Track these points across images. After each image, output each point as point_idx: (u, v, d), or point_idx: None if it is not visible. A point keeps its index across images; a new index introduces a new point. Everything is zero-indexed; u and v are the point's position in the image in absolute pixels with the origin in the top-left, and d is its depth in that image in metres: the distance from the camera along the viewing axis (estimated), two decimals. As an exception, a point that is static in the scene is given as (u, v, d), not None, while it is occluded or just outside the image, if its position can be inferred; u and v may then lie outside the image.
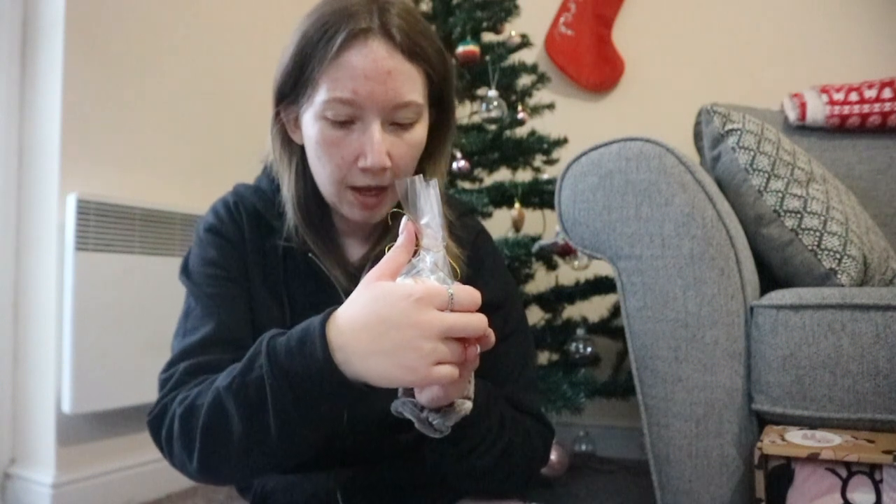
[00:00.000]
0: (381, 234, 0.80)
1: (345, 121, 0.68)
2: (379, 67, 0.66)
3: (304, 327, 0.58)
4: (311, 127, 0.70)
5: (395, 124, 0.70)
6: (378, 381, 0.55)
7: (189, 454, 0.63)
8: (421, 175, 0.57)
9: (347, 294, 0.76)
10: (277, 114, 0.75)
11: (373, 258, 0.78)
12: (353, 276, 0.77)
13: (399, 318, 0.53)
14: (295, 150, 0.76)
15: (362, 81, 0.66)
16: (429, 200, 0.57)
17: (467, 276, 0.79)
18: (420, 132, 0.73)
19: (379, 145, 0.68)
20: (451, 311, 0.54)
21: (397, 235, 0.77)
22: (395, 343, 0.53)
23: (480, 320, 0.55)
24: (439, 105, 0.76)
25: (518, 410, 0.75)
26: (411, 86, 0.69)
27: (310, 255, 0.76)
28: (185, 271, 0.77)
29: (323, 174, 0.72)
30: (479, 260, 0.82)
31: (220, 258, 0.76)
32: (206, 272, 0.75)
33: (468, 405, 0.60)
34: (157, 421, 0.67)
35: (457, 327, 0.53)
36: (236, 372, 0.60)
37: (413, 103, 0.69)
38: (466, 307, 0.55)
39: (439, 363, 0.53)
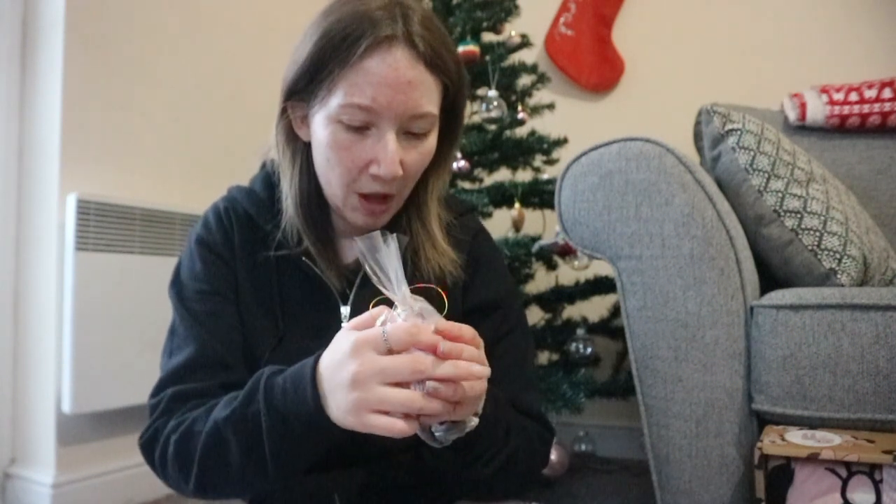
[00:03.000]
0: None
1: (360, 126, 0.68)
2: (400, 76, 0.66)
3: (297, 372, 0.60)
4: (322, 128, 0.69)
5: (409, 133, 0.70)
6: (341, 425, 0.57)
7: (186, 477, 0.66)
8: (379, 231, 0.56)
9: (341, 296, 0.76)
10: (284, 109, 0.74)
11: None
12: (348, 278, 0.77)
13: (341, 360, 0.55)
14: (299, 147, 0.76)
15: (382, 89, 0.65)
16: (390, 256, 0.55)
17: (465, 277, 0.79)
18: (432, 142, 0.73)
19: (393, 154, 0.67)
20: (390, 351, 0.53)
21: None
22: (336, 385, 0.56)
23: (413, 361, 0.53)
24: (449, 113, 0.75)
25: (518, 411, 0.75)
26: (430, 96, 0.69)
27: (303, 258, 0.76)
28: (174, 285, 0.78)
29: (330, 176, 0.71)
30: (476, 260, 0.82)
31: (207, 273, 0.76)
32: (194, 287, 0.76)
33: (474, 422, 0.60)
34: (149, 445, 0.70)
35: (389, 371, 0.53)
36: (236, 404, 0.63)
37: (429, 114, 0.69)
38: (403, 345, 0.53)
39: (377, 412, 0.53)
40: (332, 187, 0.73)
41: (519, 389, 0.77)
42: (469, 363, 0.54)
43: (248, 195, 0.80)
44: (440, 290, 0.66)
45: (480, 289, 0.81)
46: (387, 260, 0.55)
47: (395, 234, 0.55)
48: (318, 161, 0.73)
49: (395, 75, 0.65)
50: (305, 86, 0.70)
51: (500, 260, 0.87)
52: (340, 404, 0.55)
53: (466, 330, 0.56)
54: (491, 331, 0.79)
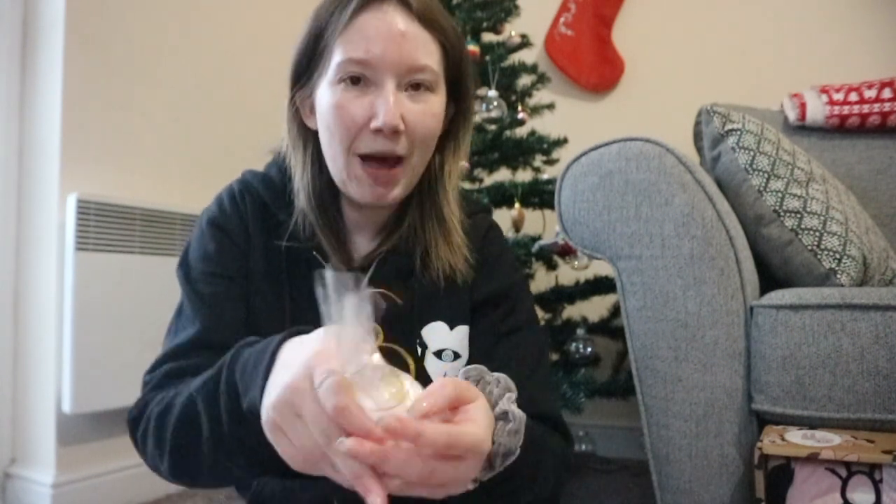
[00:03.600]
0: (390, 232, 0.78)
1: (358, 77, 0.68)
2: (393, 28, 0.67)
3: (263, 346, 0.55)
4: (325, 98, 0.70)
5: (411, 90, 0.70)
6: None
7: (161, 452, 0.63)
8: (355, 274, 0.50)
9: None
10: (293, 99, 0.74)
11: (377, 257, 0.77)
12: (357, 273, 0.76)
13: (291, 361, 0.49)
14: (309, 137, 0.75)
15: (376, 41, 0.67)
16: (360, 311, 0.46)
17: (474, 275, 0.79)
18: (436, 103, 0.72)
19: (392, 105, 0.67)
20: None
21: (405, 234, 0.74)
22: (273, 380, 0.50)
23: (323, 428, 0.44)
24: (457, 93, 0.76)
25: (532, 416, 0.71)
26: (426, 50, 0.69)
27: (314, 252, 0.75)
28: (183, 265, 0.77)
29: (333, 143, 0.70)
30: (484, 258, 0.81)
31: (218, 254, 0.75)
32: (203, 269, 0.75)
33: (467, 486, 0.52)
34: (135, 420, 0.68)
35: (303, 415, 0.46)
36: (210, 374, 0.59)
37: (428, 67, 0.69)
38: (326, 410, 0.44)
39: (280, 430, 0.47)
40: (335, 158, 0.71)
41: (531, 390, 0.72)
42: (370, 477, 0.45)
43: (263, 180, 0.79)
44: (406, 356, 0.61)
45: (485, 283, 0.80)
46: (355, 314, 0.45)
47: (375, 291, 0.48)
48: (323, 134, 0.72)
49: (388, 27, 0.67)
50: (308, 64, 0.71)
51: (510, 256, 0.86)
52: (269, 397, 0.49)
53: (430, 434, 0.44)
54: (496, 324, 0.78)
